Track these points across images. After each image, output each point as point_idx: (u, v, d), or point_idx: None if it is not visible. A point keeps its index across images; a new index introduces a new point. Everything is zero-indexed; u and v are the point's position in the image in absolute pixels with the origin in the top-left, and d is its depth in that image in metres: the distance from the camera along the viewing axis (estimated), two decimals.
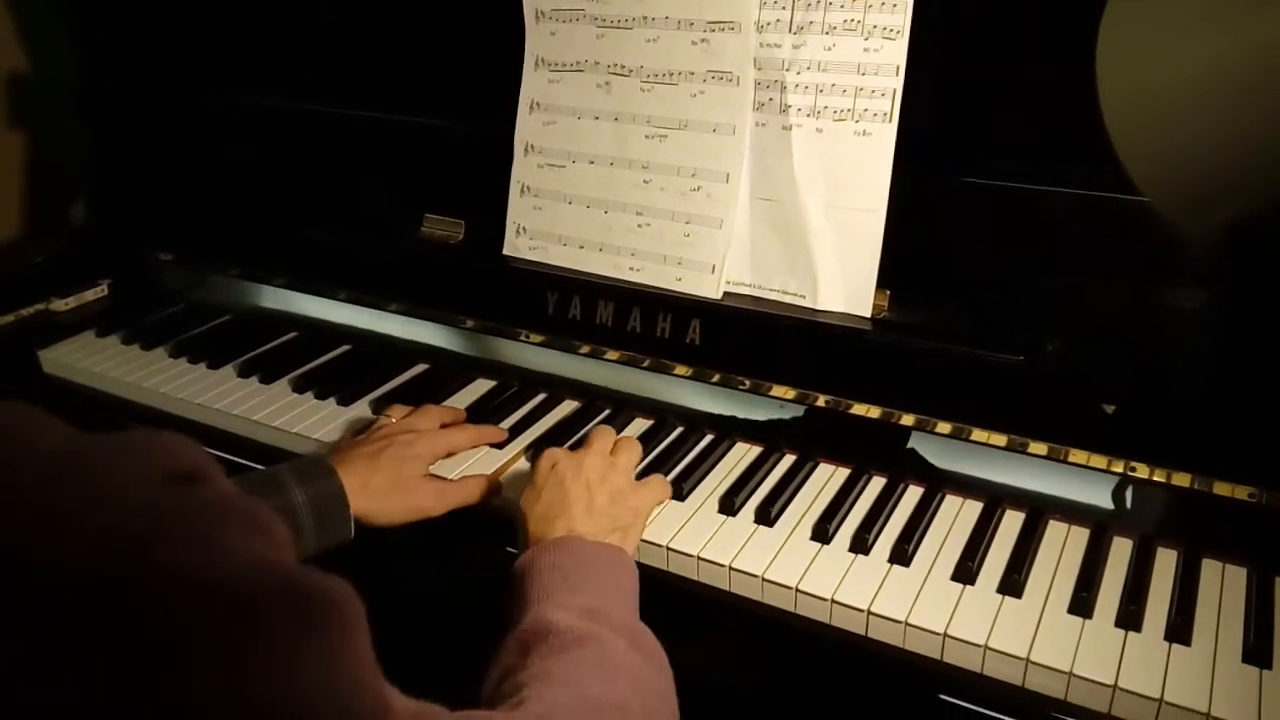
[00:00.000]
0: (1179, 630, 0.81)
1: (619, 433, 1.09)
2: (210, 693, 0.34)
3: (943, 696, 0.83)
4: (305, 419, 1.14)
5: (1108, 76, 0.53)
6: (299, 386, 1.20)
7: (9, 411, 0.39)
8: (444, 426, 1.07)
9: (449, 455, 1.05)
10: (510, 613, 0.79)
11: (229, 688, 0.35)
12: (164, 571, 0.36)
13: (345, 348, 1.30)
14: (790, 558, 0.91)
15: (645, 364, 1.11)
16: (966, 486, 0.99)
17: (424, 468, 1.01)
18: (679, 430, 1.10)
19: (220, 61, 1.38)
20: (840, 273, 1.01)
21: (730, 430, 1.09)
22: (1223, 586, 0.87)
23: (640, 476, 1.00)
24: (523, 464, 1.05)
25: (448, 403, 1.16)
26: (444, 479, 1.01)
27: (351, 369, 1.25)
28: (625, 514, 0.91)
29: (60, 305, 1.40)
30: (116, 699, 0.34)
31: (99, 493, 0.36)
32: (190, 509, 0.38)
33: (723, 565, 0.90)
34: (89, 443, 0.38)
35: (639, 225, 1.10)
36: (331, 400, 1.18)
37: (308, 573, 0.39)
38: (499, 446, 1.08)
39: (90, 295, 1.43)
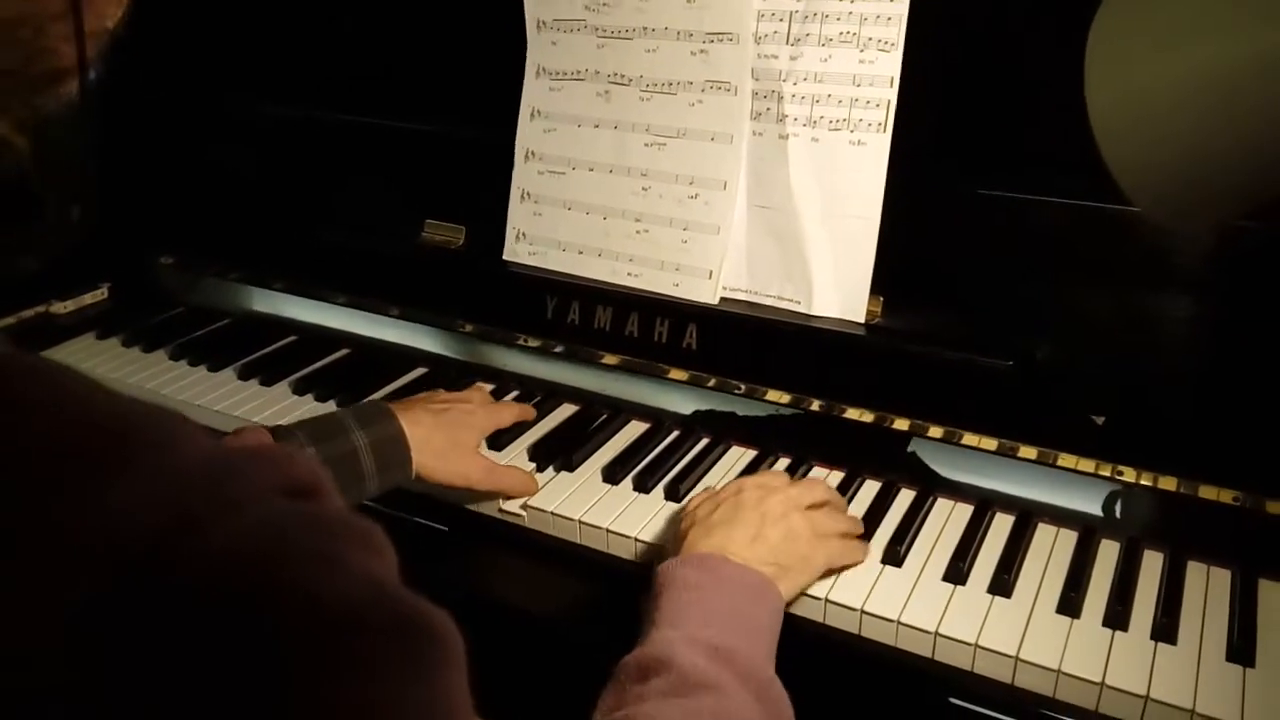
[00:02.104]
0: (1165, 630, 0.83)
1: (612, 435, 1.11)
2: (320, 712, 0.34)
3: (930, 692, 0.84)
4: None
5: (1095, 86, 0.55)
6: (300, 389, 1.22)
7: (158, 416, 0.38)
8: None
9: (497, 429, 1.08)
10: (643, 626, 0.77)
11: (338, 710, 0.35)
12: (293, 588, 0.36)
13: (345, 351, 1.32)
14: None
15: (642, 368, 1.12)
16: (958, 490, 1.01)
17: (478, 439, 1.04)
18: (675, 434, 1.12)
19: (222, 66, 1.40)
20: (835, 279, 1.03)
21: (726, 434, 1.10)
22: (1207, 587, 0.88)
23: (639, 483, 1.02)
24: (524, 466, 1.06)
25: None
26: (492, 460, 1.04)
27: (352, 372, 1.26)
28: (791, 557, 0.85)
29: (60, 308, 1.40)
30: (232, 711, 0.34)
31: (231, 503, 0.36)
32: (315, 525, 0.38)
33: None
34: (219, 453, 0.38)
35: (637, 231, 1.11)
36: (332, 403, 1.19)
37: (418, 602, 0.39)
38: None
39: (90, 298, 1.44)
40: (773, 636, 0.79)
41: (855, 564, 0.90)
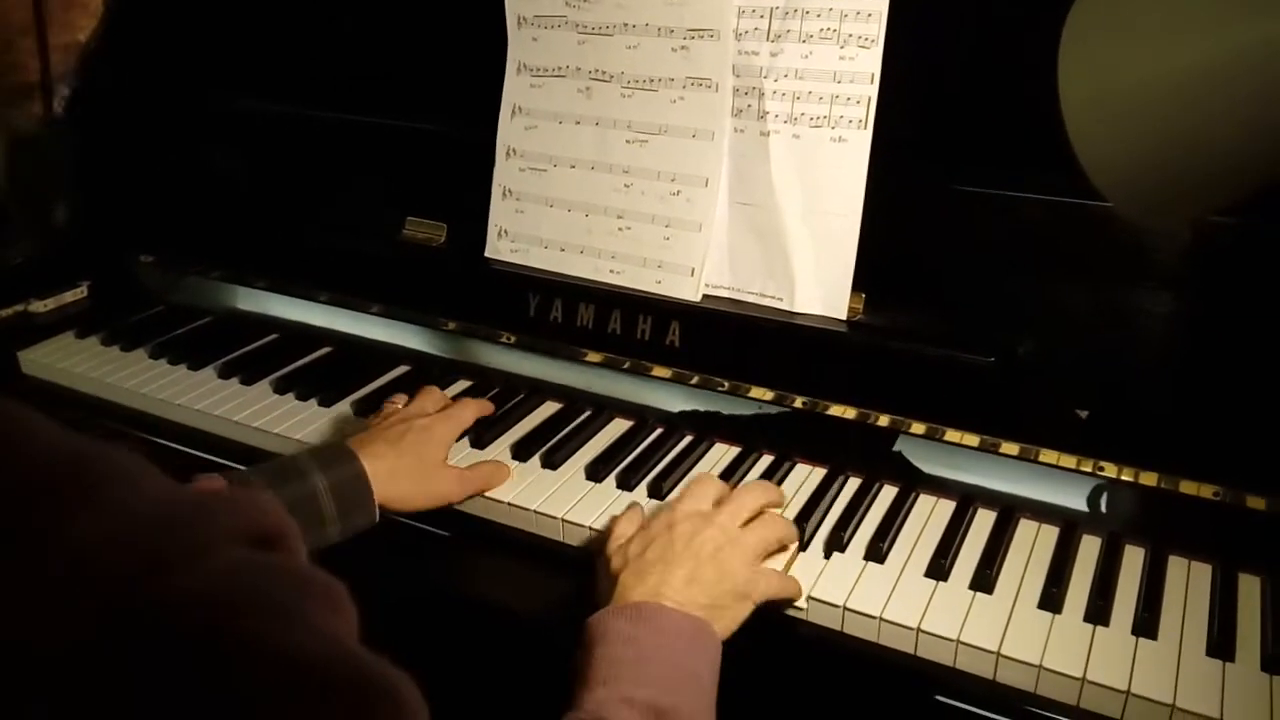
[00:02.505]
0: (1146, 625, 0.83)
1: (596, 433, 1.11)
2: None
3: (913, 689, 0.85)
4: (286, 420, 1.15)
5: (1068, 84, 0.55)
6: (280, 388, 1.21)
7: (119, 456, 0.38)
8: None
9: (460, 434, 1.06)
10: (573, 683, 0.73)
11: None
12: (256, 640, 0.35)
13: (326, 350, 1.31)
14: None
15: (625, 366, 1.12)
16: (940, 486, 1.01)
17: (444, 453, 1.01)
18: (658, 431, 1.11)
19: (204, 63, 1.39)
20: (817, 276, 1.03)
21: (709, 431, 1.10)
22: (1188, 582, 0.89)
23: (623, 480, 1.01)
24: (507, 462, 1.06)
25: None
26: (460, 468, 1.02)
27: (333, 371, 1.25)
28: (727, 596, 0.82)
29: (39, 306, 1.39)
30: None
31: (198, 547, 0.36)
32: (280, 578, 0.38)
33: None
34: (184, 495, 0.37)
35: (619, 228, 1.11)
36: (313, 401, 1.18)
37: (378, 664, 0.39)
38: (479, 446, 1.09)
39: (70, 296, 1.43)
40: (713, 687, 0.76)
41: (792, 596, 0.88)
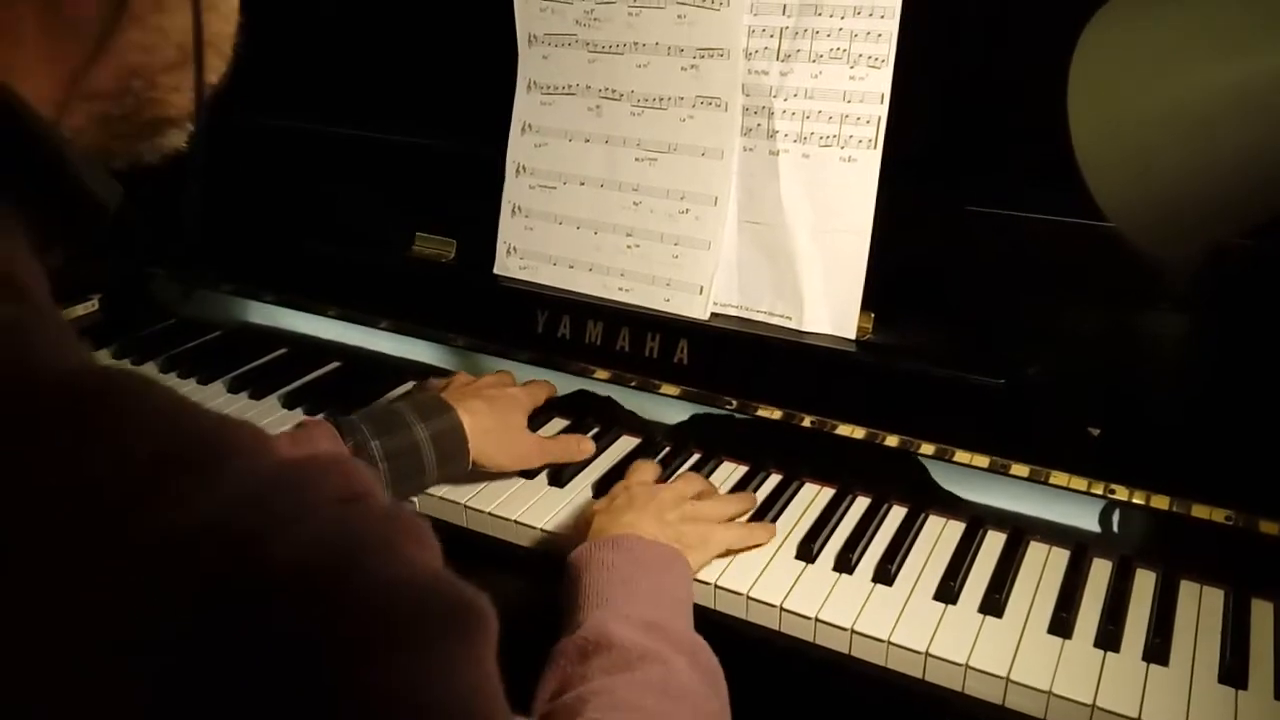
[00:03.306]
0: (1157, 651, 0.82)
1: (603, 450, 1.11)
2: (385, 691, 0.37)
3: (921, 714, 0.84)
4: None
5: (1078, 116, 0.54)
6: (289, 403, 1.21)
7: (241, 426, 0.41)
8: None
9: (534, 407, 1.10)
10: (565, 611, 0.79)
11: (401, 688, 0.38)
12: (370, 580, 0.38)
13: (335, 364, 1.31)
14: (775, 577, 0.92)
15: (633, 383, 1.12)
16: (949, 507, 1.00)
17: (525, 420, 1.06)
18: (666, 449, 1.11)
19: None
20: (826, 295, 1.03)
21: (717, 450, 1.10)
22: (1200, 607, 0.88)
23: None
24: None
25: None
26: (540, 436, 1.07)
27: (342, 385, 1.26)
28: (692, 537, 0.90)
29: None
30: (306, 691, 0.36)
31: (290, 517, 0.38)
32: (369, 522, 0.40)
33: (708, 584, 0.91)
34: (281, 468, 0.40)
35: (628, 246, 1.11)
36: (321, 416, 1.18)
37: (466, 586, 0.42)
38: None
39: (81, 309, 1.43)
40: (690, 607, 0.83)
41: (758, 544, 0.95)
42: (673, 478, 1.00)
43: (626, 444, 1.13)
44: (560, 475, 1.05)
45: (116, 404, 0.38)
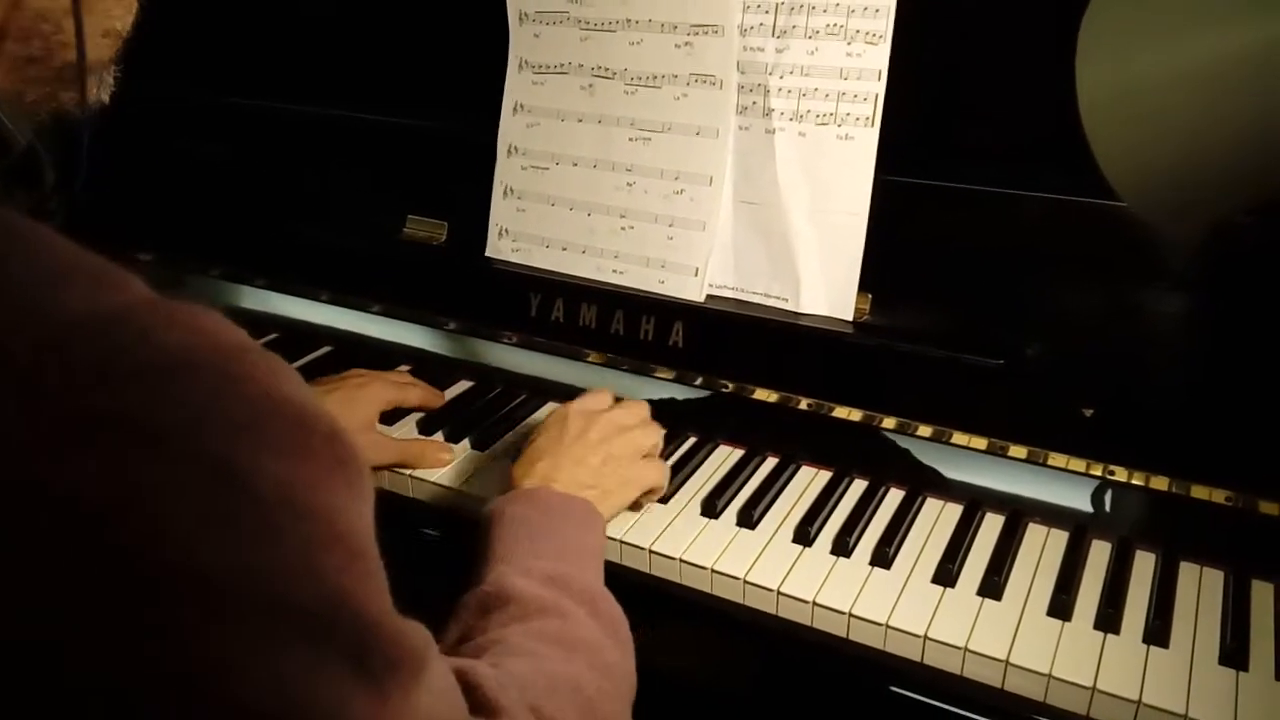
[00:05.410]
0: (1157, 633, 0.82)
1: None
2: (279, 482, 0.41)
3: (908, 693, 0.83)
4: None
5: (1086, 81, 0.53)
6: None
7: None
8: None
9: (398, 404, 1.10)
10: (476, 563, 0.79)
11: (288, 483, 0.42)
12: (254, 380, 0.42)
13: (327, 349, 1.30)
14: (772, 560, 0.91)
15: (628, 366, 1.11)
16: (947, 489, 0.99)
17: (372, 411, 1.05)
18: (662, 433, 1.10)
19: (201, 60, 1.37)
20: (823, 276, 1.01)
21: (713, 433, 1.09)
22: (1200, 589, 0.87)
23: None
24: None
25: None
26: (387, 435, 1.05)
27: (334, 370, 1.23)
28: (612, 480, 0.91)
29: None
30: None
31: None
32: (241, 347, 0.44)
33: (704, 568, 0.90)
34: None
35: (622, 228, 1.10)
36: None
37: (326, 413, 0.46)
38: (480, 448, 1.07)
39: None
40: (599, 558, 0.84)
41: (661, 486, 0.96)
42: (625, 401, 0.98)
43: None
44: None
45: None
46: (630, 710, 0.72)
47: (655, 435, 0.97)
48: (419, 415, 1.12)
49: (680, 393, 1.10)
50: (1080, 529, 0.94)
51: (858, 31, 0.97)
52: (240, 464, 0.40)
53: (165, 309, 0.42)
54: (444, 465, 1.04)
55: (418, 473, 1.03)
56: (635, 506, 0.97)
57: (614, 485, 0.91)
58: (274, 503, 0.41)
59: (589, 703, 0.66)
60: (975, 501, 0.98)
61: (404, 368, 1.24)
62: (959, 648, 0.81)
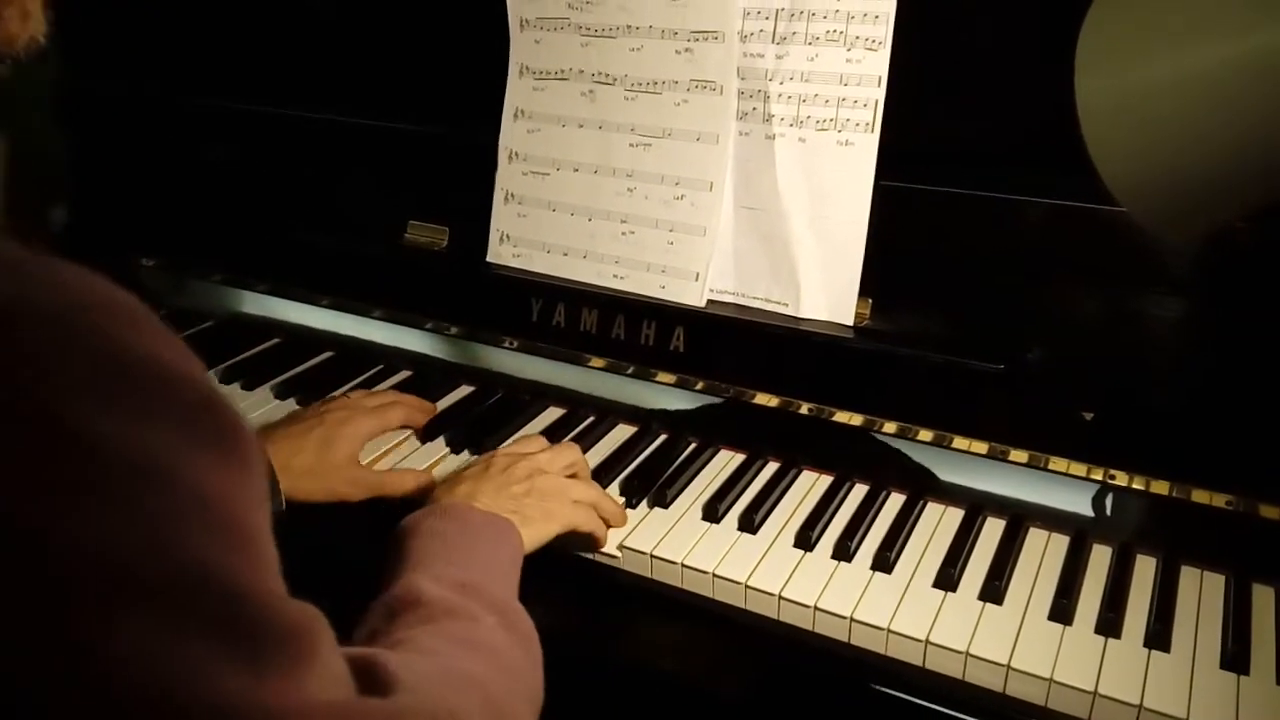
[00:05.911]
0: (1158, 637, 0.82)
1: (599, 439, 1.10)
2: (148, 446, 0.40)
3: (909, 698, 0.83)
4: None
5: (1085, 88, 0.53)
6: (281, 393, 1.20)
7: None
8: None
9: (382, 433, 1.08)
10: (386, 575, 0.78)
11: (157, 450, 0.41)
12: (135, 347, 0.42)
13: (329, 354, 1.30)
14: (773, 565, 0.91)
15: (629, 371, 1.11)
16: (948, 494, 0.99)
17: (353, 447, 1.02)
18: (663, 437, 1.10)
19: (203, 66, 1.38)
20: (823, 281, 1.02)
21: (714, 437, 1.09)
22: (1201, 593, 0.87)
23: (626, 488, 1.00)
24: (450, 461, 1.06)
25: None
26: (366, 469, 1.02)
27: (335, 376, 1.24)
28: (534, 510, 0.89)
29: None
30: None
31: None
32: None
33: (706, 572, 0.90)
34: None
35: (623, 233, 1.10)
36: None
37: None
38: (476, 451, 1.07)
39: None
40: (514, 575, 0.82)
41: (611, 527, 0.94)
42: (553, 449, 0.97)
43: (623, 433, 1.12)
44: None
45: None
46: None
47: (585, 485, 0.96)
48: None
49: (681, 397, 1.10)
50: (1081, 533, 0.94)
51: (857, 38, 0.97)
52: (76, 423, 0.38)
53: (16, 262, 0.40)
54: (432, 486, 1.00)
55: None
56: (636, 512, 0.97)
57: (536, 515, 0.89)
58: (117, 467, 0.39)
59: (492, 700, 0.64)
60: (976, 506, 0.98)
61: (404, 373, 1.25)
62: (960, 652, 0.81)
